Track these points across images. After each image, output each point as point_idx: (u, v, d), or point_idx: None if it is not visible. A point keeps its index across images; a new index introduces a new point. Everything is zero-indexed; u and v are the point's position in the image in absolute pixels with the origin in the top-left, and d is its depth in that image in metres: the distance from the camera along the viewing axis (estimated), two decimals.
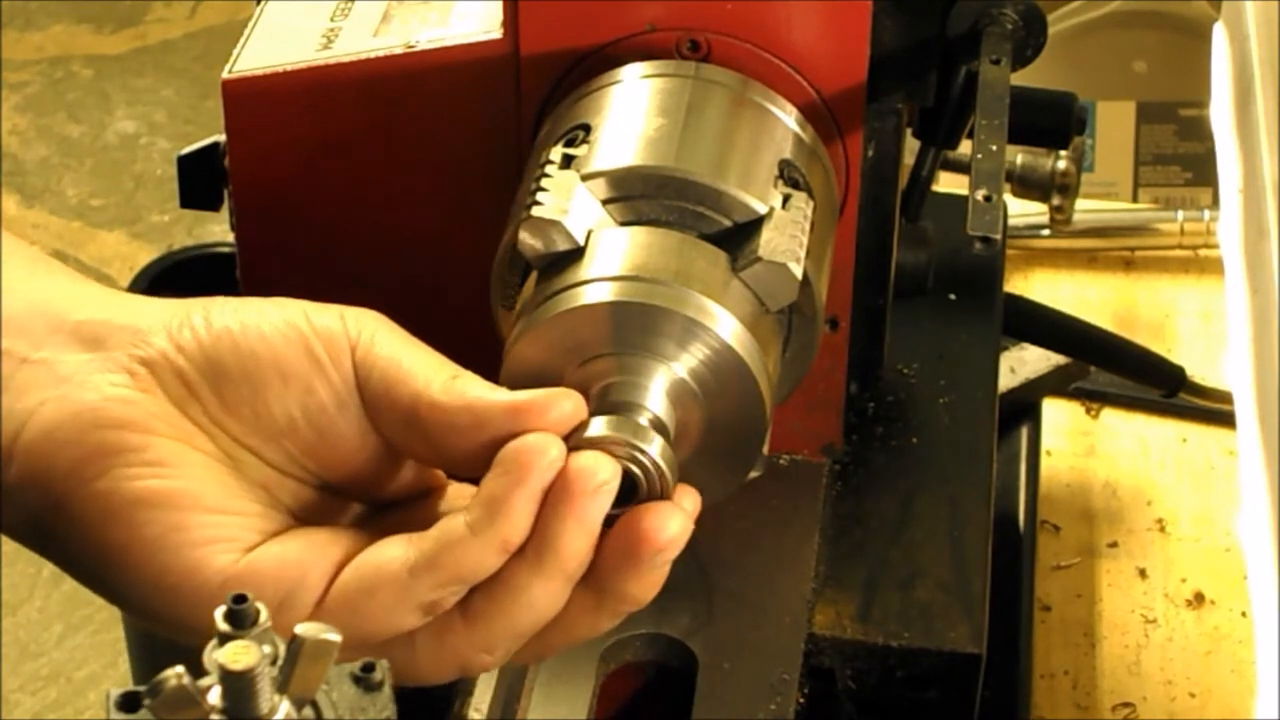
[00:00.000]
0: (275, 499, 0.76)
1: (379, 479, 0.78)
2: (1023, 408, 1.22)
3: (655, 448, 0.74)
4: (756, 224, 0.81)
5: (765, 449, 0.80)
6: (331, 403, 0.75)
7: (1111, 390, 1.27)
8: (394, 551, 0.73)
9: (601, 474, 0.72)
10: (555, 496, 0.72)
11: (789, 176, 0.84)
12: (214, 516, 0.74)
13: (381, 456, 0.77)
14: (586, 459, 0.73)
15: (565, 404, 0.74)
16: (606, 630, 0.76)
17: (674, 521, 0.73)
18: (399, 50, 0.92)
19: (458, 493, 0.78)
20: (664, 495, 0.74)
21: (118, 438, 0.74)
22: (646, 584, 0.74)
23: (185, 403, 0.75)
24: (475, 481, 0.74)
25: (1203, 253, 1.36)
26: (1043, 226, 1.34)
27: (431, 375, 0.75)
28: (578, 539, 0.72)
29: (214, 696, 0.62)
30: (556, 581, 0.73)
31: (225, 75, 0.93)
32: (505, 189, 0.87)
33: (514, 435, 0.73)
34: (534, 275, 0.81)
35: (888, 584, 0.94)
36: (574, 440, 0.74)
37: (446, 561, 0.72)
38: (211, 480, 0.74)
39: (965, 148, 0.96)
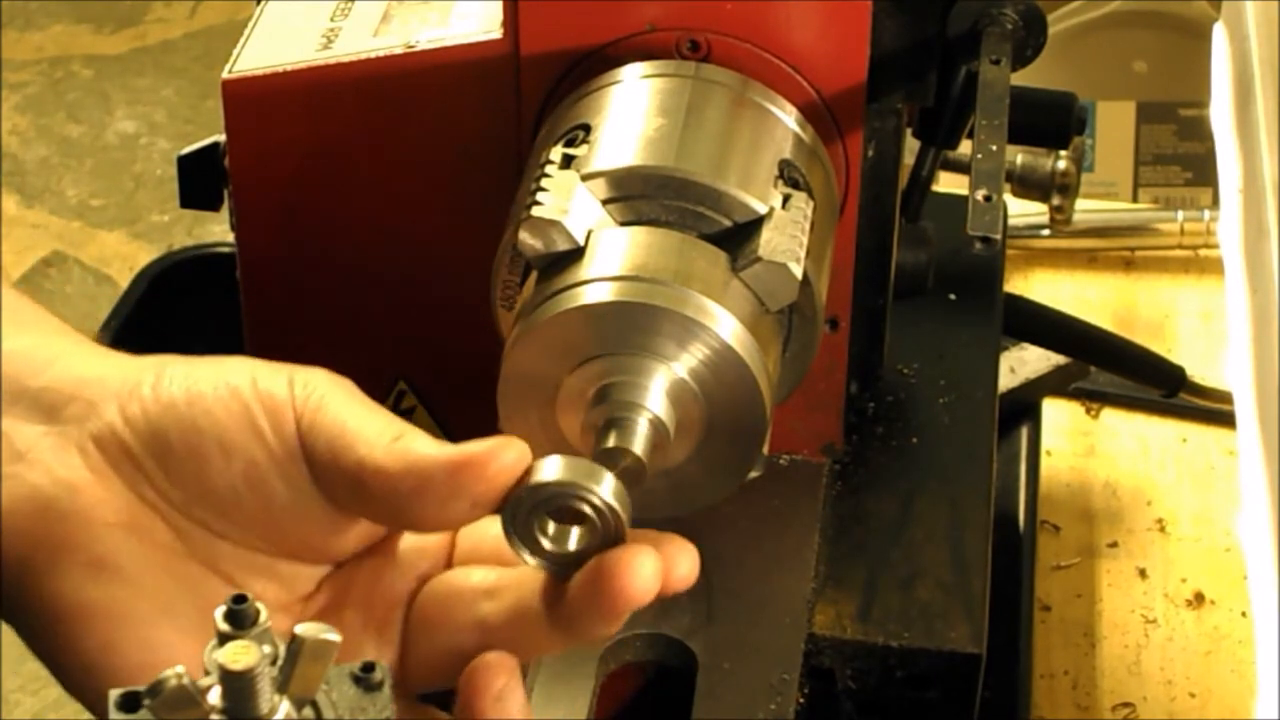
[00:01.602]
0: (223, 586, 0.75)
1: (332, 543, 0.76)
2: (1023, 408, 1.22)
3: (607, 488, 0.72)
4: (756, 224, 0.81)
5: (765, 449, 0.80)
6: (274, 473, 0.74)
7: (1111, 390, 1.27)
8: None
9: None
10: None
11: (789, 176, 0.84)
12: (147, 634, 0.73)
13: (332, 521, 0.76)
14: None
15: (508, 455, 0.72)
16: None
17: (645, 569, 0.71)
18: (399, 50, 0.91)
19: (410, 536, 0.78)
20: (619, 536, 0.72)
21: (63, 531, 0.74)
22: (618, 625, 0.73)
23: (134, 479, 0.75)
24: None
25: (1203, 253, 1.36)
26: (1043, 226, 1.34)
27: (374, 438, 0.73)
28: None
29: (214, 696, 0.62)
30: None
31: (225, 75, 0.93)
32: (505, 189, 0.87)
33: (459, 493, 0.72)
34: (534, 275, 0.81)
35: (888, 584, 0.94)
36: (522, 487, 0.72)
37: None
38: (150, 587, 0.74)
39: (965, 148, 0.96)
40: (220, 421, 0.74)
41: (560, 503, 0.72)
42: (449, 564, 0.77)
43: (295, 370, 0.76)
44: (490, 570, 0.76)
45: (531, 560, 0.73)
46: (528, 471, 0.72)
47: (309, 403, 0.75)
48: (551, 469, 0.72)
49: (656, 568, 0.71)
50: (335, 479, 0.74)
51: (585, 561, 0.72)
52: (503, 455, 0.72)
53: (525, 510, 0.72)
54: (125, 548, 0.74)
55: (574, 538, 0.73)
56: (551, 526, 0.73)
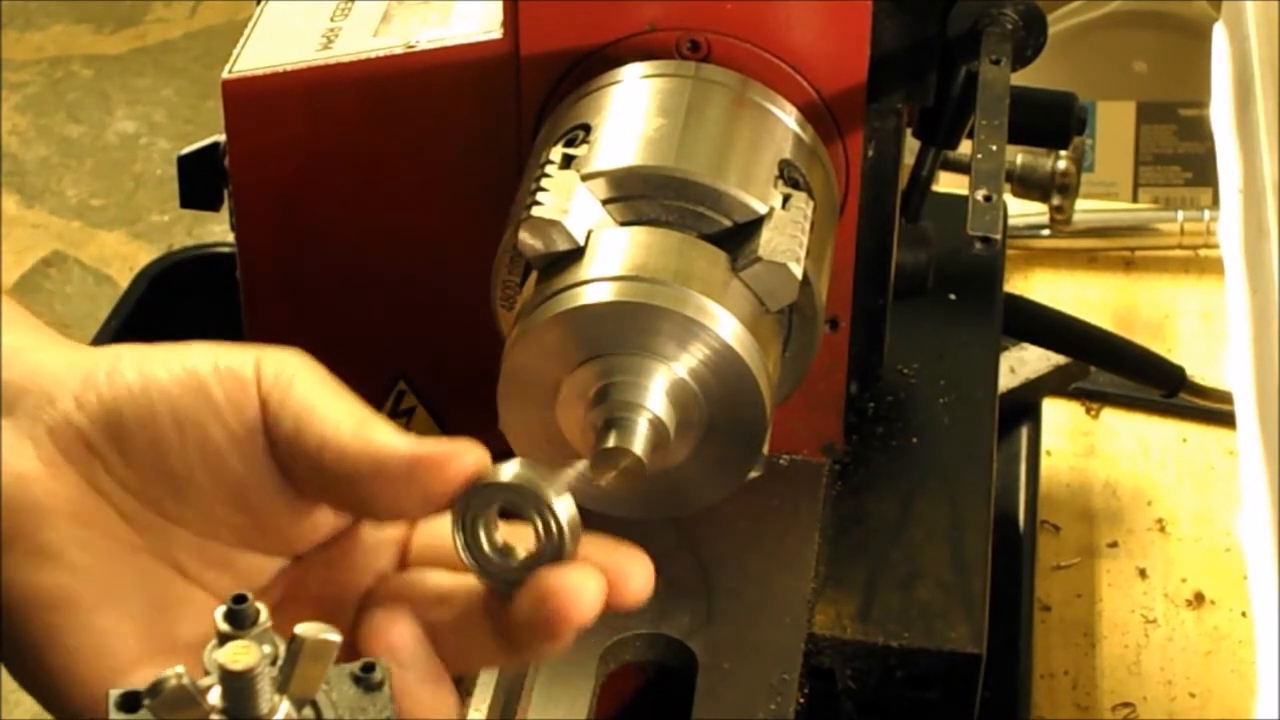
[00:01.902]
0: (177, 586, 0.75)
1: (290, 531, 0.76)
2: (1023, 408, 1.22)
3: (561, 504, 0.70)
4: (756, 224, 0.81)
5: (765, 449, 0.80)
6: (232, 452, 0.74)
7: (1111, 390, 1.27)
8: None
9: None
10: None
11: (789, 176, 0.84)
12: (90, 620, 0.74)
13: (291, 506, 0.76)
14: None
15: (466, 457, 0.72)
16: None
17: (588, 591, 0.71)
18: (399, 50, 0.92)
19: (370, 530, 0.78)
20: (564, 551, 0.71)
21: (12, 521, 0.74)
22: (561, 644, 0.73)
23: (88, 466, 0.75)
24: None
25: (1203, 253, 1.36)
26: (1043, 226, 1.34)
27: (341, 420, 0.74)
28: None
29: (214, 696, 0.62)
30: None
31: (225, 75, 0.93)
32: (505, 189, 0.87)
33: (413, 486, 0.72)
34: (534, 275, 0.81)
35: (888, 584, 0.94)
36: (474, 484, 0.71)
37: None
38: (96, 575, 0.74)
39: (965, 148, 0.96)
40: (174, 398, 0.74)
41: (509, 507, 0.71)
42: (404, 561, 0.77)
43: (264, 350, 0.76)
44: (446, 575, 0.75)
45: (471, 563, 0.72)
46: (487, 470, 0.72)
47: (279, 381, 0.75)
48: (508, 470, 0.71)
49: (599, 590, 0.71)
50: (297, 457, 0.74)
51: (528, 574, 0.71)
52: (462, 456, 0.72)
53: (474, 510, 0.72)
54: (73, 537, 0.74)
55: (520, 549, 0.72)
56: (499, 535, 0.72)
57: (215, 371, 0.75)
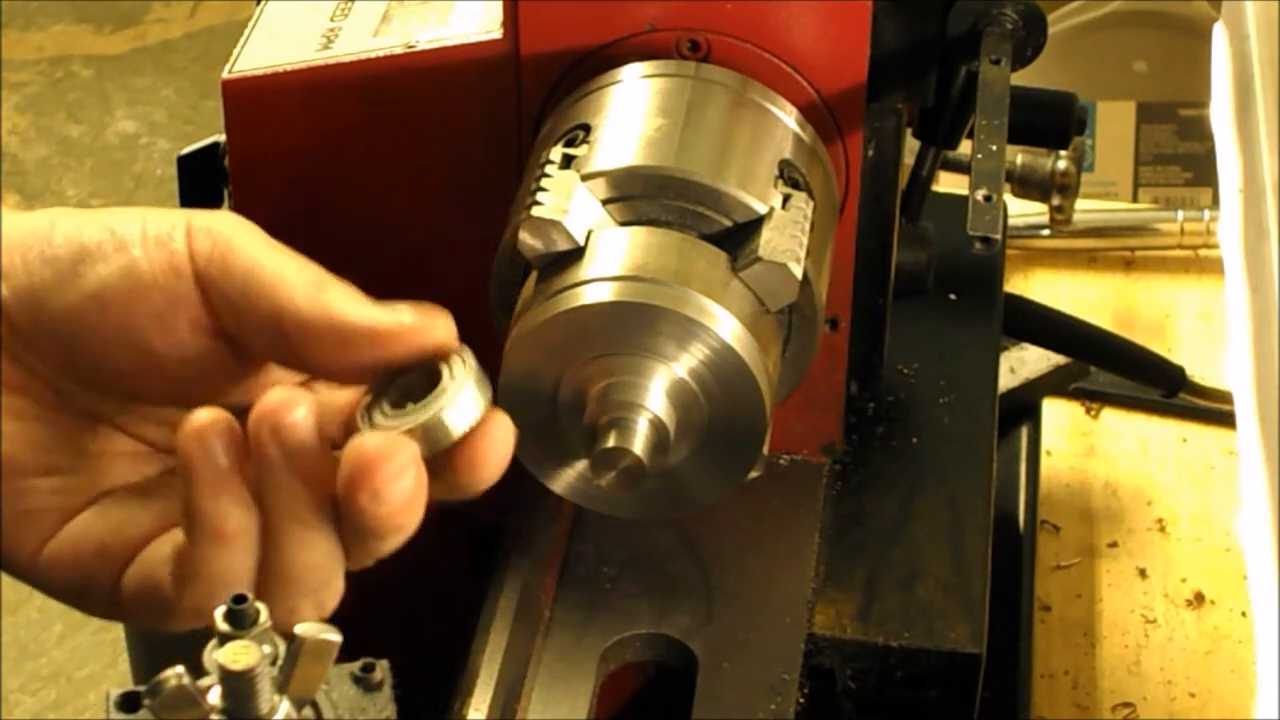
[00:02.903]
0: (102, 438, 0.77)
1: (228, 394, 0.77)
2: (1023, 408, 1.22)
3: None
4: (756, 224, 0.81)
5: (765, 449, 0.80)
6: (153, 326, 0.75)
7: (1111, 390, 1.27)
8: (164, 553, 0.74)
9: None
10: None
11: (789, 176, 0.84)
12: (22, 482, 0.75)
13: (229, 370, 0.76)
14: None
15: (438, 331, 0.74)
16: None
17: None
18: (399, 50, 0.92)
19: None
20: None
21: None
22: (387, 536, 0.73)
23: (11, 342, 0.75)
24: None
25: (1203, 253, 1.36)
26: (1043, 226, 1.34)
27: (295, 283, 0.74)
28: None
29: (214, 696, 0.62)
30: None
31: (225, 75, 0.93)
32: (505, 189, 0.87)
33: (371, 356, 0.74)
34: (534, 275, 0.81)
35: (888, 584, 0.94)
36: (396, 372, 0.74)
37: (201, 574, 0.72)
38: (22, 436, 0.75)
39: (965, 148, 0.96)
40: (102, 279, 0.75)
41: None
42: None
43: (195, 213, 0.76)
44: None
45: (366, 425, 0.74)
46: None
47: (216, 243, 0.75)
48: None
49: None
50: (245, 320, 0.75)
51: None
52: (430, 329, 0.74)
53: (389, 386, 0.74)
54: (2, 407, 0.75)
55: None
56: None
57: (143, 242, 0.75)
